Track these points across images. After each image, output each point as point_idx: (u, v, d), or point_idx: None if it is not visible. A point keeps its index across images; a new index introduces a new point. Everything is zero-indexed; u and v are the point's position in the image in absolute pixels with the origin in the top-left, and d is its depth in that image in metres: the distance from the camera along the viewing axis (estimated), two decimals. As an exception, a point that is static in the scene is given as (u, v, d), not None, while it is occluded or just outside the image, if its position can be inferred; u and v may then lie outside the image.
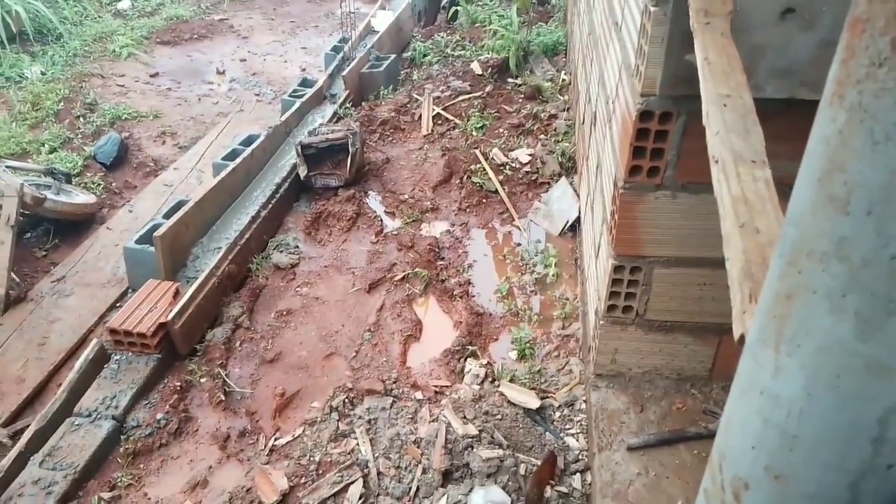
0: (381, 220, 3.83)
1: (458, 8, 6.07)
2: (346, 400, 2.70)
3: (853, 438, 0.69)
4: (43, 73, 5.78)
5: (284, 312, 3.20)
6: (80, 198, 3.96)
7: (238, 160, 3.80)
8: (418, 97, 4.92)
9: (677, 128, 1.95)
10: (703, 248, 2.18)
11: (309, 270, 3.47)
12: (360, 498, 2.32)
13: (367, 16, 6.38)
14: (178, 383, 2.76)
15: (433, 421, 2.57)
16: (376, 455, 2.44)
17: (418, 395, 2.75)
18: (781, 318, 0.71)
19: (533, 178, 4.00)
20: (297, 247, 3.66)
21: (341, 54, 5.39)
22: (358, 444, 2.49)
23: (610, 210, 2.34)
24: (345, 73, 5.03)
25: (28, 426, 2.57)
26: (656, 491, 2.17)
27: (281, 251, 3.56)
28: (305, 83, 5.05)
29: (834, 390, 0.68)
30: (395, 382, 2.79)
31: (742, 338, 0.97)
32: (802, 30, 1.70)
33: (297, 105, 4.59)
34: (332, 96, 4.95)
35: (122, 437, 2.58)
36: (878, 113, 0.56)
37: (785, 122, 1.59)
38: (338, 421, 2.61)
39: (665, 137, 1.98)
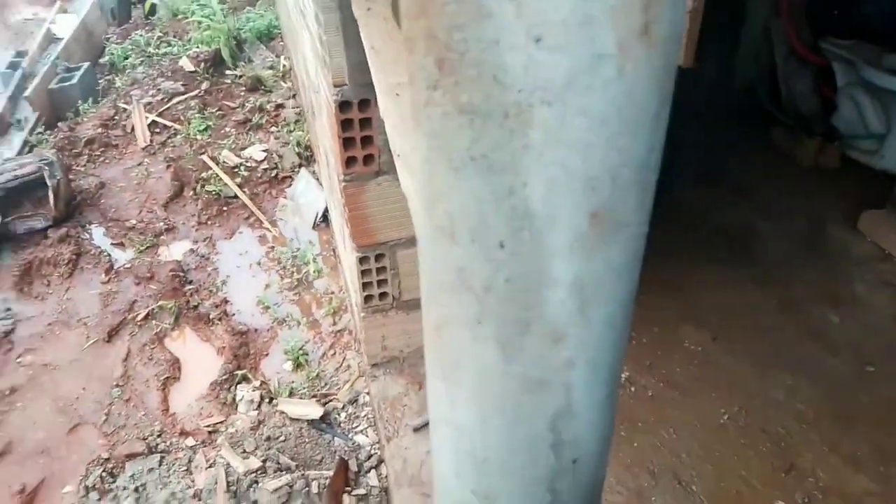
0: (109, 255, 3.37)
1: (155, 1, 5.49)
2: (104, 473, 2.35)
3: (534, 449, 0.68)
4: None
5: (7, 392, 2.68)
6: None
7: None
8: (126, 106, 4.38)
9: (378, 112, 1.90)
10: (435, 222, 2.21)
11: (30, 334, 2.94)
12: (139, 583, 2.05)
13: (45, 22, 5.51)
14: None
15: (210, 466, 2.35)
16: (149, 528, 2.17)
17: (189, 441, 2.48)
18: (439, 351, 0.67)
19: (273, 175, 3.79)
20: (9, 309, 3.07)
21: (20, 71, 4.59)
22: (125, 523, 2.18)
23: (341, 203, 2.27)
24: (28, 92, 4.29)
25: None
26: (446, 465, 2.21)
27: (-14, 322, 2.97)
28: (-20, 112, 4.22)
29: (502, 412, 0.65)
30: (160, 436, 2.49)
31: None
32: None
33: (-28, 141, 3.82)
34: (18, 122, 4.21)
35: None
36: (448, 139, 0.50)
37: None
38: (98, 500, 2.27)
39: (370, 124, 1.93)
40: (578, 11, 0.40)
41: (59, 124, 4.23)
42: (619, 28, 0.41)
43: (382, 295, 2.37)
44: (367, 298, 2.36)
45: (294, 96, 4.19)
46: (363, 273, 2.29)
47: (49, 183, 3.34)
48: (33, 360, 2.85)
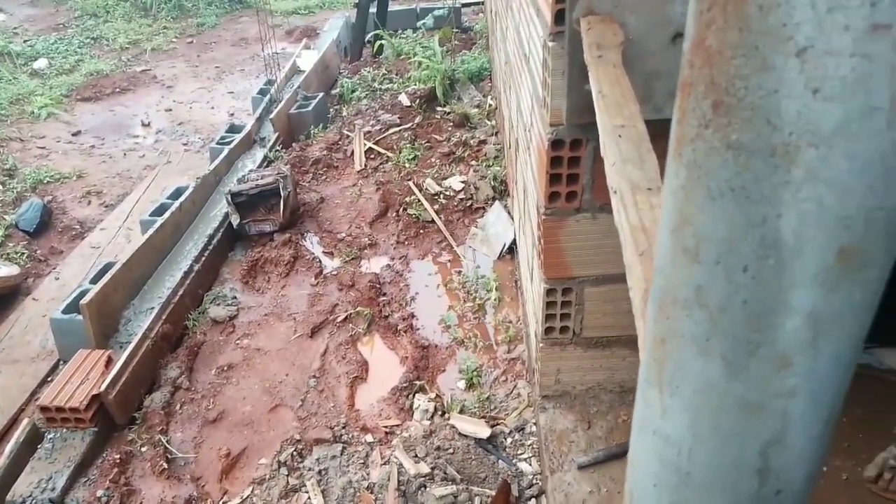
0: (320, 262, 3.80)
1: (383, 42, 6.12)
2: (295, 452, 2.64)
3: (740, 472, 0.72)
4: (-44, 142, 5.56)
5: (225, 368, 3.12)
6: (2, 270, 3.80)
7: (166, 215, 3.71)
8: (349, 133, 4.92)
9: (588, 153, 2.00)
10: (628, 265, 2.24)
11: (249, 321, 3.41)
12: (315, 554, 2.27)
13: (292, 56, 6.38)
14: (118, 455, 2.65)
15: (385, 463, 2.54)
16: (329, 507, 2.40)
17: (368, 437, 2.71)
18: (659, 361, 0.73)
19: (468, 205, 4.04)
20: (235, 297, 3.58)
21: (268, 97, 5.36)
22: (309, 498, 2.43)
23: (536, 235, 2.38)
24: (272, 115, 5.00)
25: (-44, 522, 2.43)
26: (609, 508, 2.19)
27: (218, 304, 3.49)
28: (233, 129, 5.00)
29: (715, 429, 0.70)
30: (344, 428, 2.75)
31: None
32: (692, 52, 1.77)
33: (225, 152, 4.53)
34: (262, 140, 4.91)
35: (60, 521, 2.46)
36: (711, 170, 0.58)
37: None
38: (287, 476, 2.55)
39: (578, 163, 2.03)
40: (858, 69, 0.47)
41: (294, 144, 4.88)
42: (894, 86, 0.47)
43: (563, 329, 2.43)
44: (548, 330, 2.44)
45: (496, 134, 4.44)
46: (548, 304, 2.37)
47: (282, 194, 3.86)
48: (249, 343, 3.29)
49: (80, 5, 9.03)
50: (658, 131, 1.47)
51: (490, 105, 4.81)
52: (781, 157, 0.53)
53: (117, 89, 6.78)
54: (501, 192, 4.01)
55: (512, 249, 3.69)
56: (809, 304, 0.59)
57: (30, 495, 2.50)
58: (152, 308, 3.23)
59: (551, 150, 2.00)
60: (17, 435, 2.71)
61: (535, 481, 2.49)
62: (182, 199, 3.90)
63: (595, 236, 2.17)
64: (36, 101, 6.34)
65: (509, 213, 3.80)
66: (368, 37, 6.61)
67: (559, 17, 1.80)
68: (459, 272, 3.66)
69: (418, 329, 3.29)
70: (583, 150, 1.99)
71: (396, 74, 5.61)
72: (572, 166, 2.03)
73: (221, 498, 2.53)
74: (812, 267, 0.57)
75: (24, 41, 7.96)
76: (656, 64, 1.77)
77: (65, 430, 2.73)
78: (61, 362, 3.19)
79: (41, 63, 7.40)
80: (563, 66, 1.83)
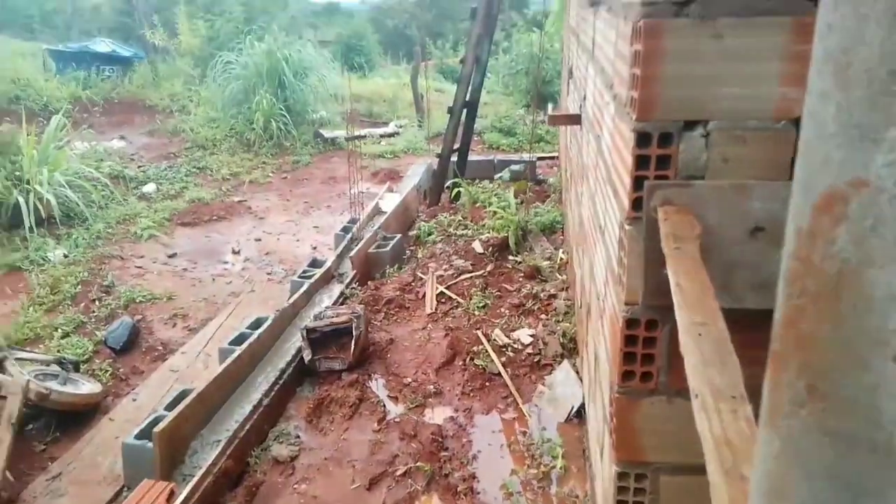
0: (384, 406, 3.78)
1: (461, 189, 6.45)
2: None
3: None
4: (66, 256, 6.07)
5: (280, 516, 3.06)
6: (86, 387, 3.98)
7: (244, 346, 3.85)
8: (422, 276, 5.07)
9: (664, 335, 1.98)
10: (705, 452, 2.12)
11: (308, 464, 3.37)
12: None
13: (375, 196, 6.79)
14: None
15: None
16: None
17: None
18: None
19: (535, 360, 4.00)
20: (298, 436, 3.58)
21: (350, 234, 5.66)
22: None
23: (608, 411, 2.31)
24: (352, 254, 5.24)
25: None
26: None
27: (281, 442, 3.49)
28: (315, 263, 5.26)
29: None
30: None
31: None
32: (773, 246, 1.78)
33: (305, 286, 4.74)
34: (340, 276, 5.13)
35: None
36: (807, 450, 0.57)
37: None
38: None
39: (654, 344, 2.00)
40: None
41: (369, 283, 5.06)
42: None
43: (635, 516, 2.28)
44: (619, 516, 2.29)
45: (566, 289, 4.47)
46: (619, 489, 2.25)
47: (354, 333, 3.96)
48: (307, 489, 3.23)
49: (191, 137, 10.04)
50: (738, 321, 1.45)
51: (561, 258, 4.89)
52: (885, 455, 0.52)
53: (214, 217, 7.34)
54: (570, 349, 3.97)
55: (580, 413, 3.58)
56: None
57: None
58: (219, 441, 3.26)
59: (626, 329, 1.99)
60: (70, 563, 2.70)
61: None
62: (260, 330, 4.05)
63: (672, 422, 2.09)
64: (140, 223, 6.92)
65: (578, 373, 3.72)
66: (448, 183, 6.98)
67: (636, 203, 1.86)
68: (524, 433, 3.55)
69: (479, 493, 3.16)
70: (658, 332, 1.97)
71: (472, 221, 5.84)
72: (647, 346, 2.00)
73: None
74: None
75: (139, 167, 8.85)
76: (735, 255, 1.78)
77: (115, 564, 2.71)
78: (126, 489, 3.23)
79: (150, 187, 8.15)
80: (639, 249, 1.86)
